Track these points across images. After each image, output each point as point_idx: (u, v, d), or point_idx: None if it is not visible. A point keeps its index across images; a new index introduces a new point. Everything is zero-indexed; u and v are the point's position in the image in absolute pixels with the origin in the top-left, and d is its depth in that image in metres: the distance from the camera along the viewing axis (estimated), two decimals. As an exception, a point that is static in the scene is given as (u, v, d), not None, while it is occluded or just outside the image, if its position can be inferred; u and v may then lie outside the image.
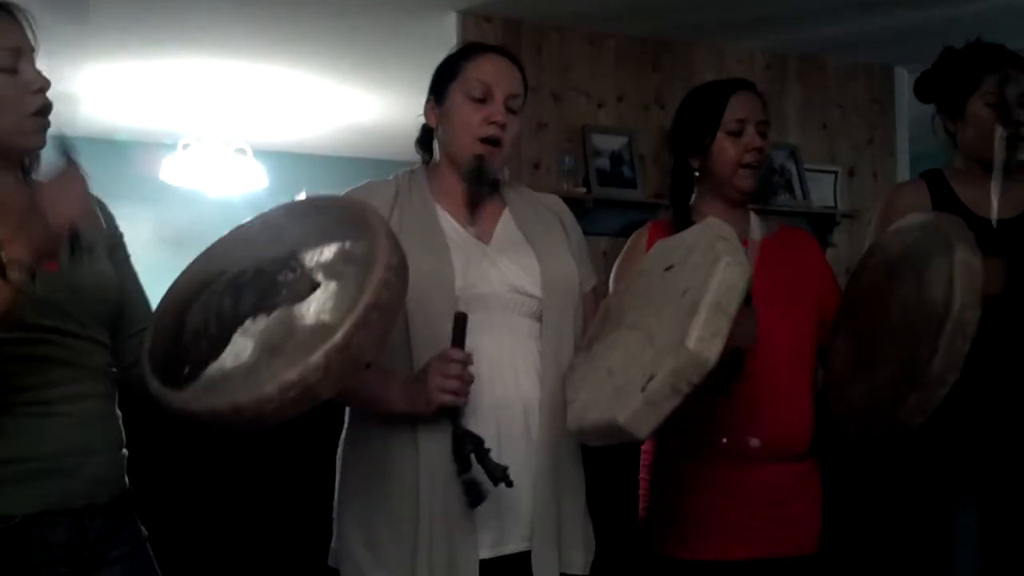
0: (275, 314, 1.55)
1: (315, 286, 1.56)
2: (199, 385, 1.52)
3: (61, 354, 1.60)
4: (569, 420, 1.74)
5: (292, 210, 1.81)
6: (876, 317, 1.99)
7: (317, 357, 1.44)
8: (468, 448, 1.73)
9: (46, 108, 1.63)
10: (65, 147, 1.55)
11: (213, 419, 1.49)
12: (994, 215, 2.22)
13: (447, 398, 1.74)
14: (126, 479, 1.72)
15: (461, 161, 1.94)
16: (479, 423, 1.79)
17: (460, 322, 1.76)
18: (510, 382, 1.84)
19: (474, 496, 1.75)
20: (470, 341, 1.79)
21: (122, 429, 1.72)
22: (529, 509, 1.83)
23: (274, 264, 1.62)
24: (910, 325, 1.86)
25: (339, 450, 1.95)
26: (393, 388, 1.80)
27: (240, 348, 1.54)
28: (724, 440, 2.05)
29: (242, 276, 1.62)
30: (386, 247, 1.54)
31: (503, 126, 1.92)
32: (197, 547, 2.58)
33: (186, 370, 1.55)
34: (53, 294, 1.57)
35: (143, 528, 1.75)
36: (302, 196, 6.60)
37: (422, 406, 1.76)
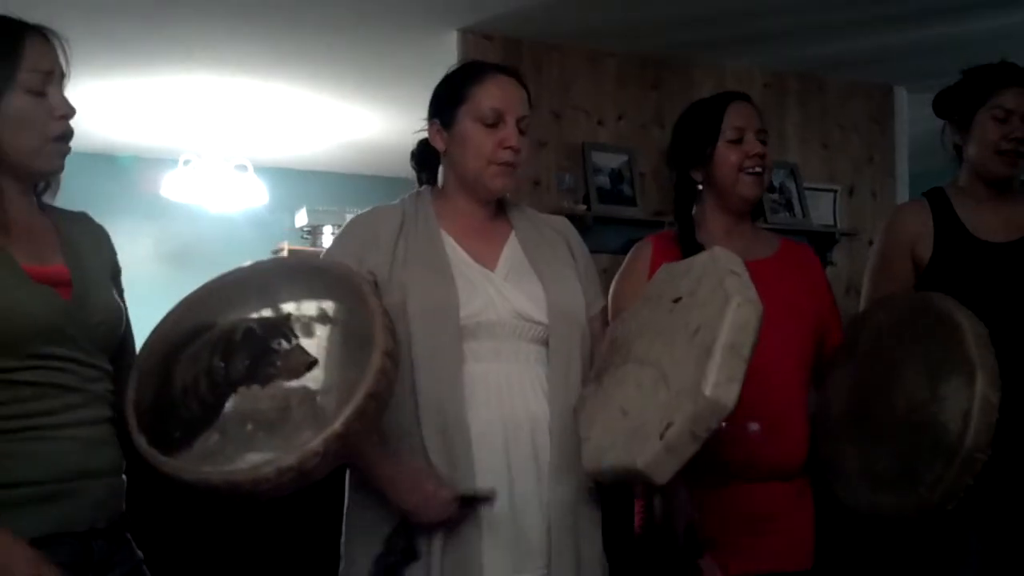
0: (269, 387, 1.56)
1: (311, 364, 1.57)
2: (192, 454, 1.53)
3: (68, 381, 1.60)
4: (585, 459, 1.73)
5: (285, 267, 1.80)
6: (880, 388, 1.99)
7: (316, 444, 1.45)
8: (398, 549, 1.77)
9: (68, 134, 1.66)
10: None
11: (206, 490, 1.49)
12: None
13: (422, 521, 1.76)
14: (123, 503, 1.72)
15: (476, 187, 1.95)
16: (488, 447, 1.79)
17: (483, 499, 1.76)
18: (518, 408, 1.83)
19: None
20: (477, 368, 1.79)
21: (122, 454, 1.72)
22: (541, 536, 1.82)
23: (266, 327, 1.61)
24: (917, 433, 1.86)
25: (347, 473, 1.94)
26: (384, 469, 1.79)
27: (234, 418, 1.55)
28: (723, 424, 2.03)
29: (233, 334, 1.61)
30: (382, 330, 1.54)
31: (518, 150, 1.92)
32: (197, 571, 2.56)
33: (177, 433, 1.54)
34: (65, 324, 1.58)
35: (138, 551, 1.75)
36: (302, 212, 6.63)
37: (400, 503, 1.77)
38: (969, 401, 1.78)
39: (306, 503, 2.44)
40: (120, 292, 1.80)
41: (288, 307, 1.64)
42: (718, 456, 2.02)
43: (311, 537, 2.34)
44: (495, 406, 1.80)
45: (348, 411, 1.46)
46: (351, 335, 1.57)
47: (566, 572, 1.82)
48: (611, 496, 2.03)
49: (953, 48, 4.63)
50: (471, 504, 1.76)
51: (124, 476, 1.72)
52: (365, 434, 1.52)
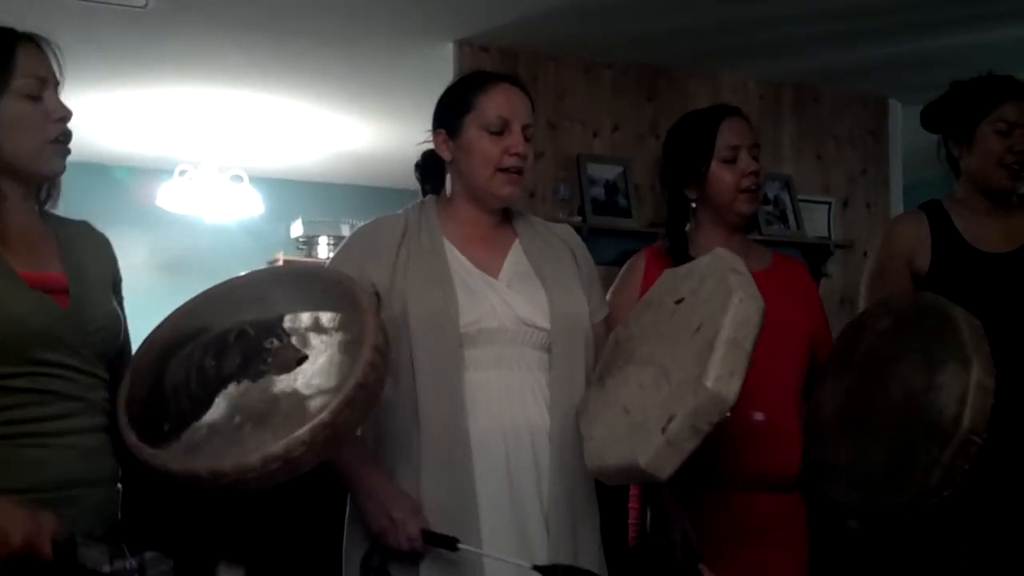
0: (260, 382, 1.57)
1: (302, 359, 1.58)
2: (179, 445, 1.53)
3: (64, 388, 1.61)
4: (587, 458, 1.73)
5: (280, 274, 1.82)
6: (875, 384, 1.98)
7: (303, 432, 1.45)
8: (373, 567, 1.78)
9: (66, 136, 1.68)
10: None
11: (191, 480, 1.49)
12: None
13: (388, 544, 1.76)
14: (119, 512, 1.72)
15: (483, 196, 1.95)
16: (488, 454, 1.79)
17: (446, 543, 1.75)
18: (519, 413, 1.83)
19: None
20: (478, 376, 1.80)
21: (117, 463, 1.72)
22: (542, 542, 1.82)
23: (259, 328, 1.63)
24: (912, 419, 1.85)
25: None
26: (364, 481, 1.81)
27: (223, 412, 1.55)
28: (727, 414, 2.03)
29: (226, 336, 1.63)
30: (373, 326, 1.56)
31: (524, 157, 1.94)
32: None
33: (166, 427, 1.55)
34: (61, 331, 1.59)
35: (133, 560, 1.74)
36: (298, 223, 6.63)
37: (370, 518, 1.78)
38: (965, 386, 1.77)
39: (308, 505, 2.44)
40: (120, 302, 1.80)
41: (294, 322, 1.66)
42: (716, 457, 2.03)
43: (314, 539, 2.33)
44: (495, 414, 1.81)
45: (336, 401, 1.47)
46: (344, 339, 1.59)
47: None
48: (606, 508, 2.03)
49: (947, 61, 4.64)
50: (433, 542, 1.75)
51: (120, 484, 1.72)
52: (353, 425, 1.53)
